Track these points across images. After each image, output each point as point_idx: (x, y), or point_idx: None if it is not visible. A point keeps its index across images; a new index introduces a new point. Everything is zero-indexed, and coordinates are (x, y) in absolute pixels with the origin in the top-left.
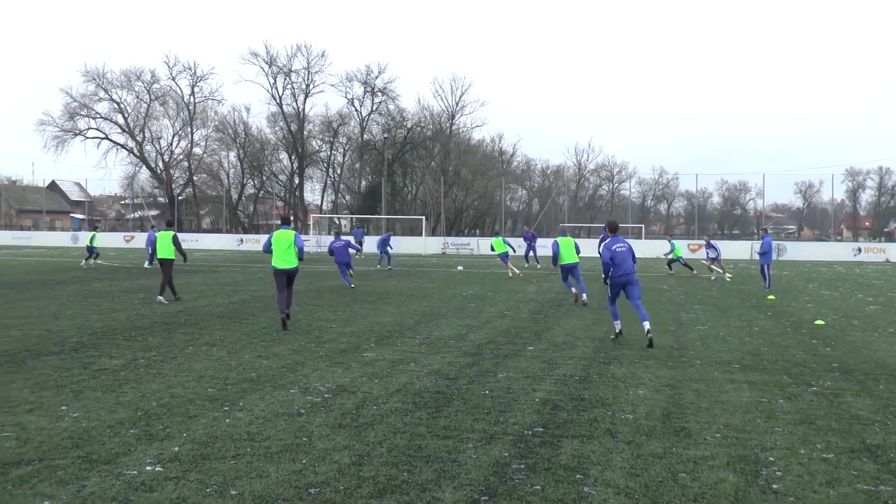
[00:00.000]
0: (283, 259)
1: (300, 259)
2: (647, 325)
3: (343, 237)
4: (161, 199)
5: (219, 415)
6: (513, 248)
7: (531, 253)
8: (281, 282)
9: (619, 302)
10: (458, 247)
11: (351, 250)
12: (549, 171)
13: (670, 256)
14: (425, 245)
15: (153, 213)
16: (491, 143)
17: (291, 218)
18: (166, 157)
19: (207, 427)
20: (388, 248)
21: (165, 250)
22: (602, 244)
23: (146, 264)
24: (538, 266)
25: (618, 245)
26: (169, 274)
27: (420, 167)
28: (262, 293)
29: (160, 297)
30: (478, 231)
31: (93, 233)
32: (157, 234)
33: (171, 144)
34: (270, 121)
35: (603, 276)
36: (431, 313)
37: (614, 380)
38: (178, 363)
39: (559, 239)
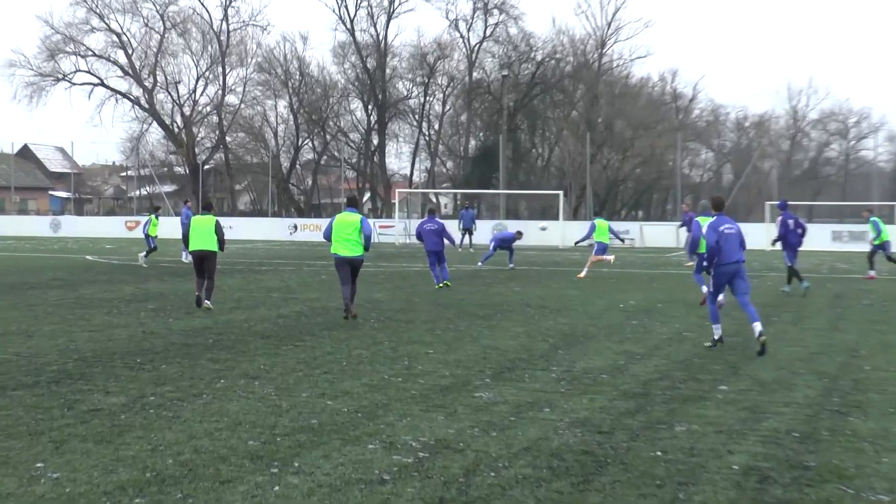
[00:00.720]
0: (347, 246)
1: (366, 249)
2: (758, 326)
3: (438, 218)
4: (179, 170)
5: (263, 479)
6: (620, 238)
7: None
8: (344, 273)
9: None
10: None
11: (446, 241)
12: (747, 124)
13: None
14: (564, 232)
15: (167, 188)
16: (660, 84)
17: (367, 195)
18: (187, 110)
19: (247, 498)
20: (469, 229)
21: (206, 240)
22: (692, 224)
23: (184, 257)
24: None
25: (726, 226)
26: (213, 271)
27: (555, 119)
28: (325, 302)
29: (207, 302)
30: (640, 212)
31: (151, 216)
32: (191, 215)
33: (194, 92)
34: (337, 55)
35: (705, 264)
36: (574, 334)
37: (856, 439)
38: (203, 403)
39: (701, 218)
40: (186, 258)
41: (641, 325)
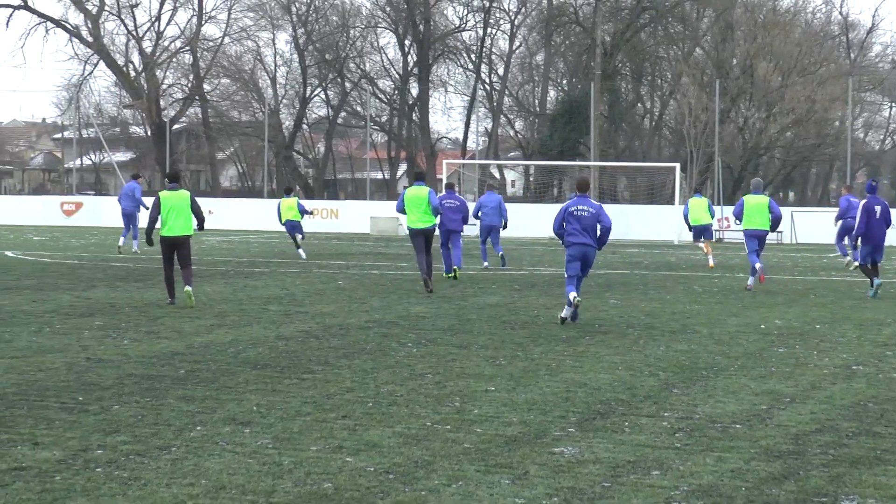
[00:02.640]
0: (421, 218)
1: (435, 216)
2: None
3: (456, 194)
4: (137, 131)
5: None
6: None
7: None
8: (419, 243)
9: None
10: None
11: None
12: None
13: None
14: (681, 222)
15: (120, 156)
16: (823, 8)
17: (402, 168)
18: (148, 46)
19: None
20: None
21: (181, 222)
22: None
23: (133, 245)
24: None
25: (877, 204)
26: (189, 257)
27: (671, 60)
28: (344, 318)
29: (189, 288)
30: (791, 194)
31: (288, 199)
32: (155, 194)
33: (158, 20)
34: None
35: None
36: (694, 366)
37: None
38: (172, 459)
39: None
40: (135, 246)
41: (791, 354)
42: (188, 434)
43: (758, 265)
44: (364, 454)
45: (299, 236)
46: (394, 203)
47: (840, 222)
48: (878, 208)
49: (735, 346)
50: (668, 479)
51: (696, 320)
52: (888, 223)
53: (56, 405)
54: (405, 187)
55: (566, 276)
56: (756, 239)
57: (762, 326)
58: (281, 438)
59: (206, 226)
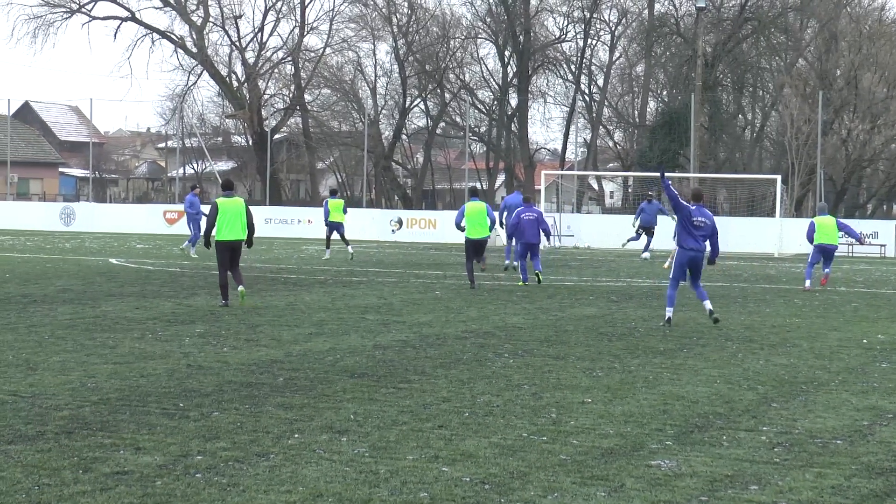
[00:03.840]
0: (480, 231)
1: (491, 228)
2: None
3: (534, 205)
4: (239, 141)
5: None
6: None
7: None
8: (473, 252)
9: None
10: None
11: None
12: None
13: None
14: (782, 234)
15: (223, 165)
16: None
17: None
18: (250, 57)
19: None
20: (651, 227)
21: (238, 227)
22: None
23: (191, 250)
24: None
25: None
26: (238, 261)
27: (773, 72)
28: (441, 328)
29: (242, 287)
30: (894, 206)
31: (335, 200)
32: (198, 204)
33: (261, 31)
34: None
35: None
36: (794, 380)
37: None
38: (270, 466)
39: None
40: (192, 250)
41: (894, 369)
42: (286, 441)
43: (826, 270)
44: (460, 464)
45: (339, 237)
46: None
47: None
48: None
49: (836, 360)
50: (767, 495)
51: (796, 334)
52: None
53: (157, 411)
54: (464, 204)
55: (671, 278)
56: (822, 252)
57: (864, 341)
58: (377, 447)
59: (304, 234)
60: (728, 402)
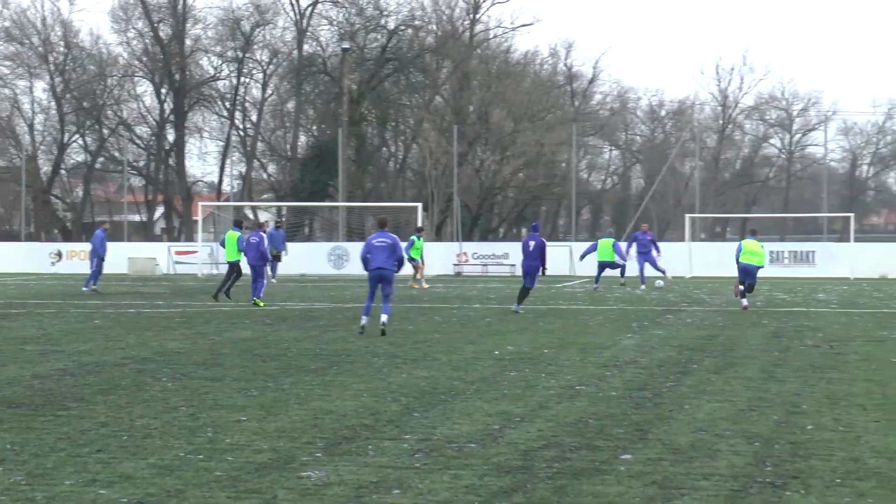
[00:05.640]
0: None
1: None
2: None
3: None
4: None
5: None
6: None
7: (644, 266)
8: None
9: None
10: (486, 260)
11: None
12: (663, 113)
13: None
14: (432, 257)
15: None
16: (550, 61)
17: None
18: None
19: None
20: (279, 254)
21: None
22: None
23: None
24: (641, 288)
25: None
26: None
27: (413, 107)
28: (100, 356)
29: None
30: (523, 230)
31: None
32: None
33: None
34: (118, 20)
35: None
36: (434, 391)
37: None
38: None
39: None
40: None
41: (522, 377)
42: None
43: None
44: (118, 486)
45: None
46: (151, 244)
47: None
48: (531, 244)
49: (471, 371)
50: (409, 497)
51: (436, 348)
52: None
53: None
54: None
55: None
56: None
57: (496, 352)
58: (34, 474)
59: None
60: (374, 414)
